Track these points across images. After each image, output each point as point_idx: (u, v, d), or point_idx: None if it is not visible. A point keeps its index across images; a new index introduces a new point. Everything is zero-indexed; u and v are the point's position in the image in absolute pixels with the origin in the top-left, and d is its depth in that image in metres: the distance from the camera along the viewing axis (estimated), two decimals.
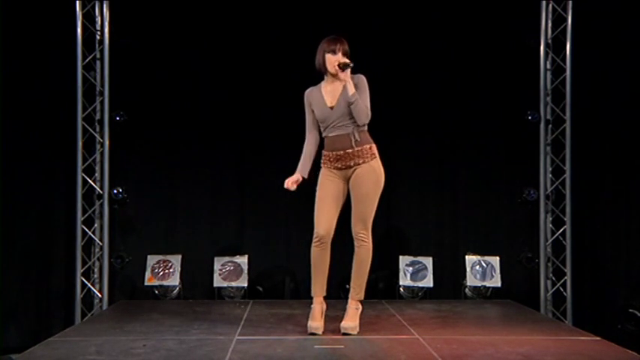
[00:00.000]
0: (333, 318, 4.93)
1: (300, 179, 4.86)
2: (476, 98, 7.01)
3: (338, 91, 4.73)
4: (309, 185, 4.87)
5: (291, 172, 4.87)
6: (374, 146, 4.78)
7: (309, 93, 4.88)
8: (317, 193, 4.80)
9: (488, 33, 6.93)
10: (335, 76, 4.72)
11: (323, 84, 4.85)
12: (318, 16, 6.68)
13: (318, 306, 4.80)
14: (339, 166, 4.76)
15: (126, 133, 6.84)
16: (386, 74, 6.85)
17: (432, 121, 7.11)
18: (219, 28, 6.94)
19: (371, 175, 4.73)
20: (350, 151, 4.72)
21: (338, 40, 4.75)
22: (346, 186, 4.79)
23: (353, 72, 4.71)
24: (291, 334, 4.79)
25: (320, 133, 4.86)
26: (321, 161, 4.85)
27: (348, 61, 4.67)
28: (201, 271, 6.86)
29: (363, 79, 4.76)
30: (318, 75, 4.88)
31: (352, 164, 4.74)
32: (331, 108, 4.74)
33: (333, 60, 4.71)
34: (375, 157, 4.76)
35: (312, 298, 4.84)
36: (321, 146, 4.87)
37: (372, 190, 4.73)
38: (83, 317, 6.60)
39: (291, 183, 4.84)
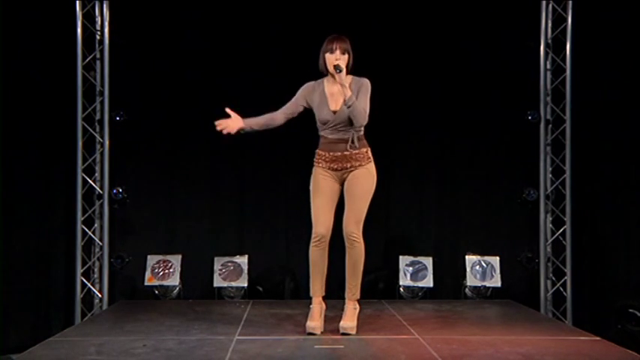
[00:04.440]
0: (333, 318, 4.93)
1: (240, 126, 4.79)
2: (476, 98, 7.01)
3: (341, 94, 4.72)
4: (309, 185, 4.88)
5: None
6: (369, 150, 4.83)
7: (311, 90, 4.85)
8: (312, 193, 4.83)
9: (489, 33, 6.93)
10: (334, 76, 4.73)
11: (325, 84, 4.83)
12: (321, 17, 6.67)
13: (317, 306, 4.82)
14: (335, 167, 4.79)
15: (126, 133, 6.83)
16: (386, 74, 6.83)
17: (431, 121, 7.11)
18: (219, 27, 6.94)
19: (367, 177, 4.79)
20: (347, 153, 4.76)
21: (336, 39, 4.75)
22: (340, 187, 4.83)
23: (360, 75, 4.73)
24: (291, 334, 4.79)
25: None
26: (314, 160, 4.86)
27: (339, 64, 4.66)
28: (201, 271, 6.85)
29: (366, 83, 4.78)
30: (318, 75, 4.87)
31: (349, 166, 4.78)
32: (334, 112, 4.76)
33: (332, 59, 4.72)
34: (371, 161, 4.83)
35: (311, 298, 4.85)
36: (314, 145, 4.87)
37: (367, 191, 4.79)
38: (83, 317, 6.59)
39: (228, 124, 4.78)
